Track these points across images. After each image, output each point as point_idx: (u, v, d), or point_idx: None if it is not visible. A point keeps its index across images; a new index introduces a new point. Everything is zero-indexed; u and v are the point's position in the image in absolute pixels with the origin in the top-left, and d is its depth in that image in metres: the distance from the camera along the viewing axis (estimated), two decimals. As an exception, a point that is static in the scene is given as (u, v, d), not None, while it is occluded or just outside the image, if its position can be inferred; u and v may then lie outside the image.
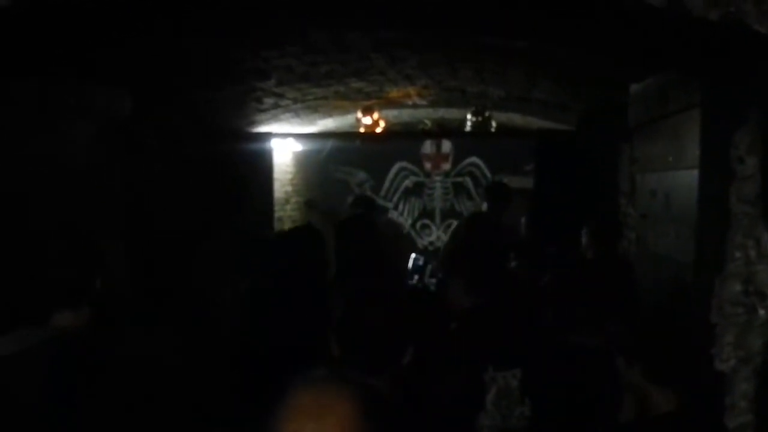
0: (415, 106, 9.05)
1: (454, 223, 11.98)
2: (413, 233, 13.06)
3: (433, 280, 7.95)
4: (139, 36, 4.18)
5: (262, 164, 8.53)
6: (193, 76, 5.90)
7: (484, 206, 7.93)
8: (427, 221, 13.09)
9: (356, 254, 4.68)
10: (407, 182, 13.14)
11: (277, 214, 9.56)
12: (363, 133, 9.16)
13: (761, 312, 2.99)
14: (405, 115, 9.97)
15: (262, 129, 8.57)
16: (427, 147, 12.92)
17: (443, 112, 9.81)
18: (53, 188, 4.59)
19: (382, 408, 1.73)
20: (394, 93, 8.00)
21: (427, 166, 13.07)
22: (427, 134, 11.74)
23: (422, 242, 12.89)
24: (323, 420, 1.62)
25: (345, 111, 9.09)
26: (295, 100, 7.77)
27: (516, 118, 9.62)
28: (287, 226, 10.04)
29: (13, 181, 4.30)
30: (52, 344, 2.85)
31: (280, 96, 7.37)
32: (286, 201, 10.72)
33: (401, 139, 11.95)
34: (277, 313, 4.16)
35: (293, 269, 4.46)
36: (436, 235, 12.89)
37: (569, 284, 4.23)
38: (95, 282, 3.09)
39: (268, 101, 7.48)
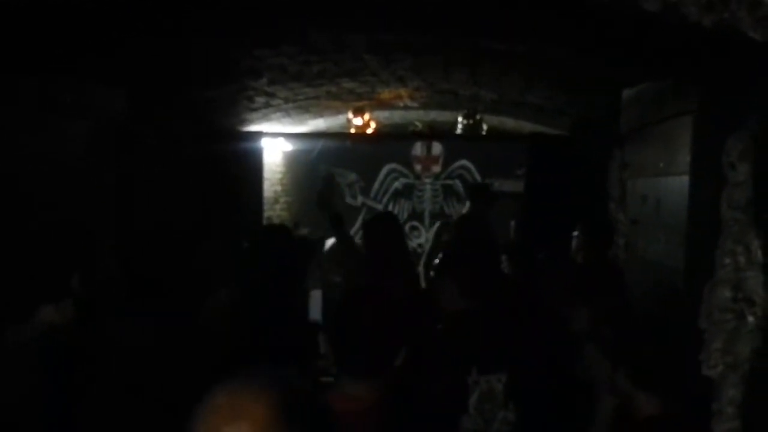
0: (406, 107, 9.05)
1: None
2: (402, 235, 13.05)
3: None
4: (136, 35, 4.18)
5: (252, 163, 8.50)
6: (188, 75, 5.89)
7: (467, 207, 7.93)
8: (416, 223, 13.09)
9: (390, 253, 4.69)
10: (397, 184, 13.14)
11: (266, 214, 9.55)
12: (354, 133, 9.16)
13: (750, 318, 3.00)
14: (396, 116, 9.97)
15: (253, 128, 8.55)
16: (418, 149, 12.92)
17: (434, 115, 9.82)
18: (47, 186, 4.58)
19: (309, 410, 1.63)
20: (385, 94, 8.00)
21: (418, 168, 13.07)
22: (417, 136, 11.74)
23: (411, 244, 12.89)
24: (237, 423, 1.50)
25: (336, 111, 9.09)
26: (287, 100, 7.76)
27: (508, 122, 9.63)
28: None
29: (8, 178, 4.29)
30: (39, 340, 2.84)
31: (272, 95, 7.36)
32: (276, 200, 10.71)
33: (392, 141, 11.94)
34: (261, 315, 4.15)
35: (274, 270, 4.45)
36: (425, 237, 12.88)
37: (559, 288, 4.24)
38: (81, 279, 3.08)
39: (260, 100, 7.47)
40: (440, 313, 3.95)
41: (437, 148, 12.85)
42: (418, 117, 10.16)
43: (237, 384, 1.57)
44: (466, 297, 3.83)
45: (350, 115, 8.94)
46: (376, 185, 13.12)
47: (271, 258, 4.52)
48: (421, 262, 8.91)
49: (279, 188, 10.88)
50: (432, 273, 8.12)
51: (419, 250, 12.56)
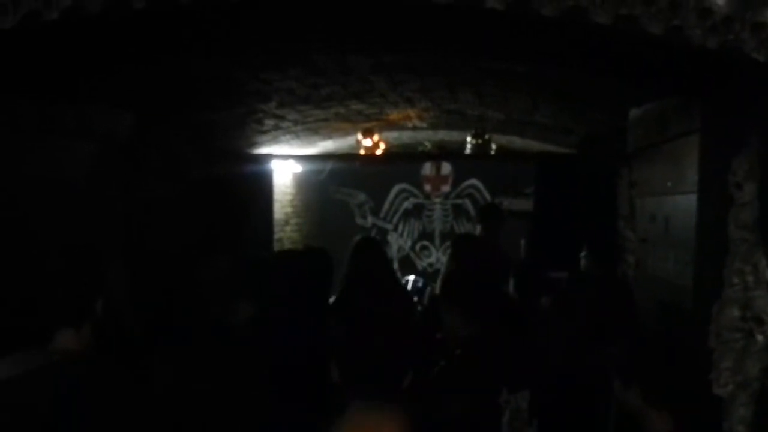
0: (415, 128, 9.08)
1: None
2: (413, 255, 13.08)
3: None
4: (142, 59, 4.22)
5: (263, 185, 8.55)
6: (195, 98, 5.93)
7: (478, 228, 7.94)
8: (426, 243, 13.10)
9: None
10: (407, 204, 13.17)
11: (276, 235, 9.58)
12: (363, 154, 9.19)
13: (759, 337, 3.00)
14: (405, 137, 10.01)
15: (263, 150, 8.59)
16: (427, 169, 12.95)
17: (443, 135, 9.85)
18: (55, 208, 4.61)
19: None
20: (394, 115, 8.03)
21: (427, 188, 13.10)
22: (427, 156, 11.77)
23: (422, 264, 12.90)
24: None
25: (345, 133, 9.12)
26: (296, 122, 7.80)
27: (516, 141, 9.65)
28: (286, 247, 10.06)
29: (15, 200, 4.32)
30: (53, 367, 2.84)
31: (281, 118, 7.40)
32: (286, 222, 10.75)
33: (401, 161, 11.99)
34: (282, 337, 4.14)
35: (298, 292, 4.45)
36: (436, 257, 12.89)
37: (569, 307, 4.25)
38: (97, 303, 3.09)
39: (269, 123, 7.51)
40: (452, 337, 3.96)
41: (446, 167, 12.88)
42: (426, 137, 10.20)
43: (366, 412, 1.70)
44: (470, 322, 3.83)
45: (359, 136, 8.98)
46: (386, 205, 13.15)
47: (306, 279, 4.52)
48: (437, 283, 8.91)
49: (289, 210, 10.92)
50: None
51: (429, 269, 12.57)
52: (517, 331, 4.26)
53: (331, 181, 12.30)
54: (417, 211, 13.18)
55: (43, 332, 2.99)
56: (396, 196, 13.14)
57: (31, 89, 4.33)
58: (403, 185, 13.08)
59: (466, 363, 3.75)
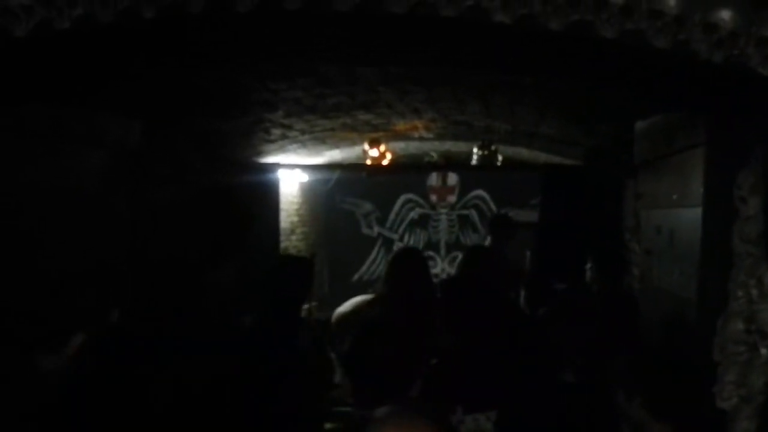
0: (421, 138, 9.09)
1: (459, 255, 11.96)
2: (418, 265, 13.02)
3: None
4: (150, 68, 4.24)
5: (269, 194, 8.55)
6: (203, 107, 5.96)
7: (488, 239, 7.92)
8: (432, 253, 13.09)
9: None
10: (413, 214, 13.15)
11: (283, 244, 9.58)
12: (369, 164, 9.20)
13: (763, 351, 3.01)
14: (411, 147, 10.01)
15: (270, 159, 8.61)
16: (433, 179, 12.95)
17: (450, 145, 9.85)
18: (65, 216, 4.63)
19: None
20: (401, 126, 8.05)
21: (433, 198, 13.09)
22: (433, 167, 11.77)
23: (426, 274, 12.85)
24: None
25: (352, 143, 9.13)
26: (303, 132, 7.82)
27: (523, 152, 9.65)
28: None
29: (22, 206, 4.35)
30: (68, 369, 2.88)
31: (288, 127, 7.42)
32: (292, 231, 10.75)
33: (407, 171, 11.98)
34: (277, 345, 4.16)
35: (291, 300, 4.46)
36: (441, 267, 12.87)
37: (573, 318, 4.24)
38: (108, 308, 3.13)
39: (276, 132, 7.53)
40: (433, 348, 3.90)
41: (453, 178, 12.87)
42: (433, 148, 10.20)
43: (395, 421, 1.67)
44: (453, 334, 3.78)
45: (366, 146, 8.98)
46: (392, 215, 13.14)
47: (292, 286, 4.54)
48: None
49: (296, 219, 10.92)
50: None
51: (434, 280, 12.53)
52: (508, 344, 4.18)
53: (337, 191, 12.31)
54: (423, 222, 13.17)
55: (53, 338, 3.03)
56: (402, 206, 13.13)
57: (42, 96, 4.36)
58: (410, 195, 13.07)
59: (433, 376, 3.69)
